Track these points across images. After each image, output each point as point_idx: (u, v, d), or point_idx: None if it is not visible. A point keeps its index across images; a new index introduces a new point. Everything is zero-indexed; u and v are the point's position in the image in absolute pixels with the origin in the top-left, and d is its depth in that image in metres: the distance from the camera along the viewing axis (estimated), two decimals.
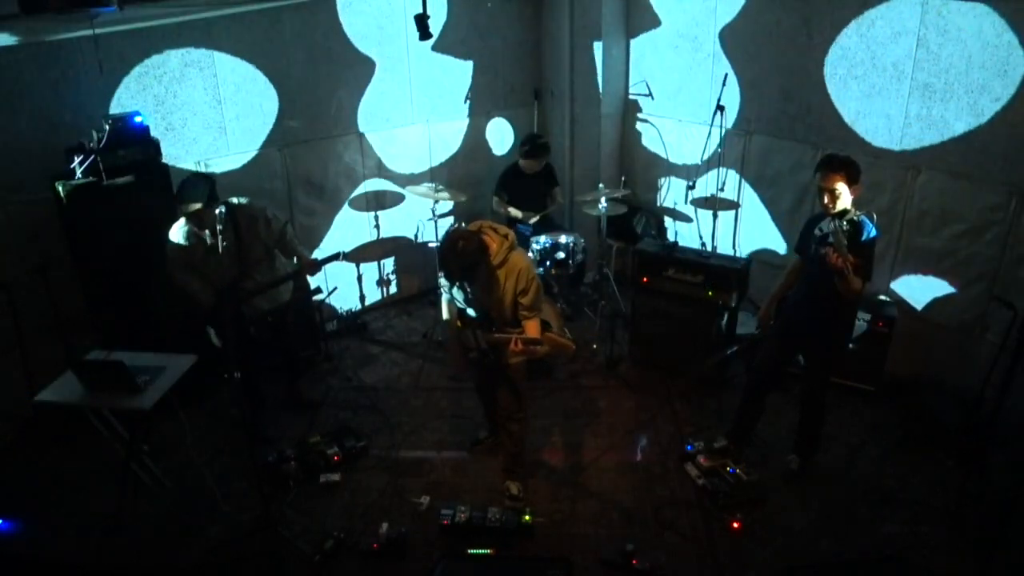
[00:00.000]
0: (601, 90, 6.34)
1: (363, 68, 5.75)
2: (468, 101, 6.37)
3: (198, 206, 4.04)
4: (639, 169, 6.66)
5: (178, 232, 4.23)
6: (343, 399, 5.19)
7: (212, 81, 5.10)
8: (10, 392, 4.40)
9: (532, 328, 3.70)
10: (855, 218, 3.62)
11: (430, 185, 5.84)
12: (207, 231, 4.14)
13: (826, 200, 3.64)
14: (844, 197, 3.61)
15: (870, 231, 3.63)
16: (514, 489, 4.27)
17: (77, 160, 4.26)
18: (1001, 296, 4.19)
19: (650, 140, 6.46)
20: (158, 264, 4.29)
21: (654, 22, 6.06)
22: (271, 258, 4.54)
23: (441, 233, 5.80)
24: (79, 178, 4.27)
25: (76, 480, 4.36)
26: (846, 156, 3.70)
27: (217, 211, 3.96)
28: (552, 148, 6.14)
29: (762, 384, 4.28)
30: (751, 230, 5.84)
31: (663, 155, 6.37)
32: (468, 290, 3.82)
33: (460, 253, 3.51)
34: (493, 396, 4.44)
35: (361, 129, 5.90)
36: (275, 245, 4.51)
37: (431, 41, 5.28)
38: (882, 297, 4.92)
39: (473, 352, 3.96)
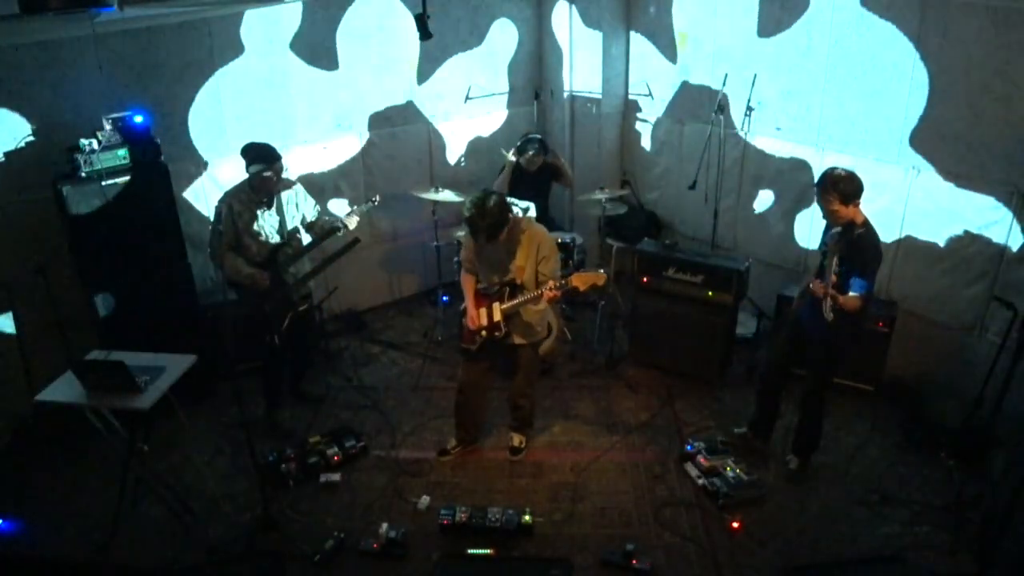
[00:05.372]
0: (601, 90, 6.33)
1: (361, 68, 5.75)
2: (468, 100, 6.37)
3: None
4: (639, 169, 6.66)
5: (229, 197, 4.42)
6: (343, 399, 5.19)
7: (212, 81, 5.10)
8: (10, 392, 4.40)
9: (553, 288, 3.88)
10: (858, 235, 3.61)
11: (430, 186, 5.83)
12: (261, 197, 4.42)
13: (825, 217, 3.66)
14: (843, 212, 3.61)
15: (875, 251, 3.64)
16: (516, 441, 4.48)
17: (77, 160, 4.25)
18: (1001, 296, 4.18)
19: (650, 140, 6.46)
20: (158, 263, 4.27)
21: (654, 21, 6.06)
22: (299, 240, 4.69)
23: (441, 233, 5.81)
24: (79, 178, 4.27)
25: (76, 480, 4.36)
26: (840, 173, 3.61)
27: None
28: (552, 148, 6.13)
29: (773, 380, 4.31)
30: (751, 230, 5.83)
31: (663, 155, 6.36)
32: (488, 251, 3.99)
33: (489, 211, 3.75)
34: (479, 401, 4.45)
35: (360, 129, 5.89)
36: (310, 219, 4.70)
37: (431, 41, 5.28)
38: (882, 297, 4.91)
39: (482, 333, 4.10)
